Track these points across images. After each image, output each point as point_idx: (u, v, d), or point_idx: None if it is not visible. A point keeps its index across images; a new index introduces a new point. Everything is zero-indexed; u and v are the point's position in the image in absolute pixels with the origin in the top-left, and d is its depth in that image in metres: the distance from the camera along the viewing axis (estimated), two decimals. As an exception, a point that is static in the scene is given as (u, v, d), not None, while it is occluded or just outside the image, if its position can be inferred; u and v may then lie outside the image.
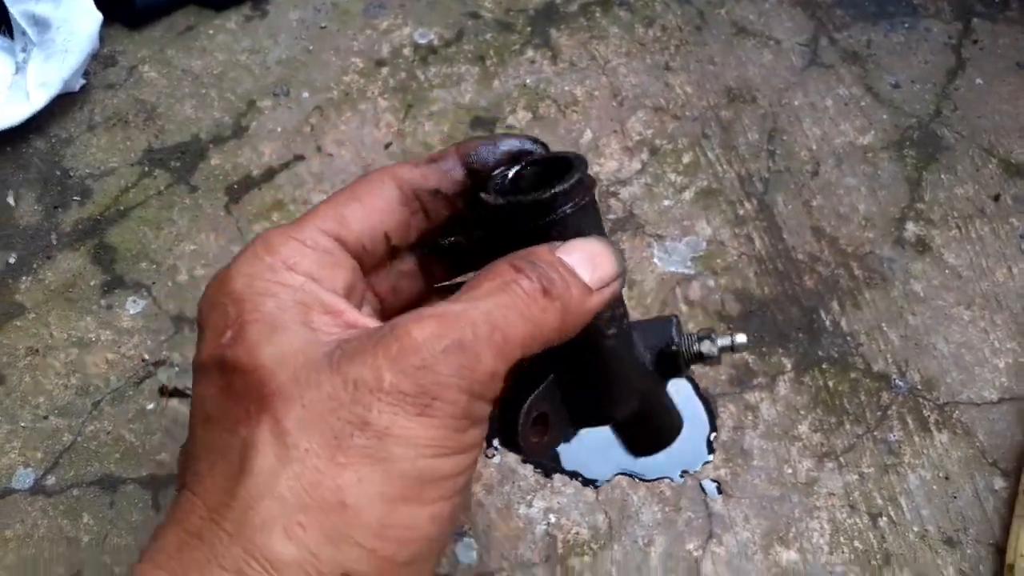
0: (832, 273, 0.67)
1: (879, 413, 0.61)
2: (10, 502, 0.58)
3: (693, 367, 0.39)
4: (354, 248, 0.34)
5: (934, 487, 0.58)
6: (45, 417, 0.62)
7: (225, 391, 0.29)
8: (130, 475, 0.60)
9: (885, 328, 0.64)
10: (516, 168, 0.35)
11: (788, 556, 0.56)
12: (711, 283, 0.66)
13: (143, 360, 0.64)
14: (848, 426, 0.60)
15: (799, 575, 0.56)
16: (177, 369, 0.63)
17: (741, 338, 0.38)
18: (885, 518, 0.57)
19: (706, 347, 0.38)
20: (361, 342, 0.28)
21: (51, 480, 0.59)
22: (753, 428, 0.60)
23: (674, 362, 0.38)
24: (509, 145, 0.35)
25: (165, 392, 0.62)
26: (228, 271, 0.31)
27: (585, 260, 0.32)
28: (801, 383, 0.62)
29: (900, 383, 0.62)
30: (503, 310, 0.30)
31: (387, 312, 0.37)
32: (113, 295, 0.66)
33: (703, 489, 0.58)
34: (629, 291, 0.66)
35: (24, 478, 0.60)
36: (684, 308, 0.65)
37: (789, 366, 0.63)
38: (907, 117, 0.75)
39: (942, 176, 0.71)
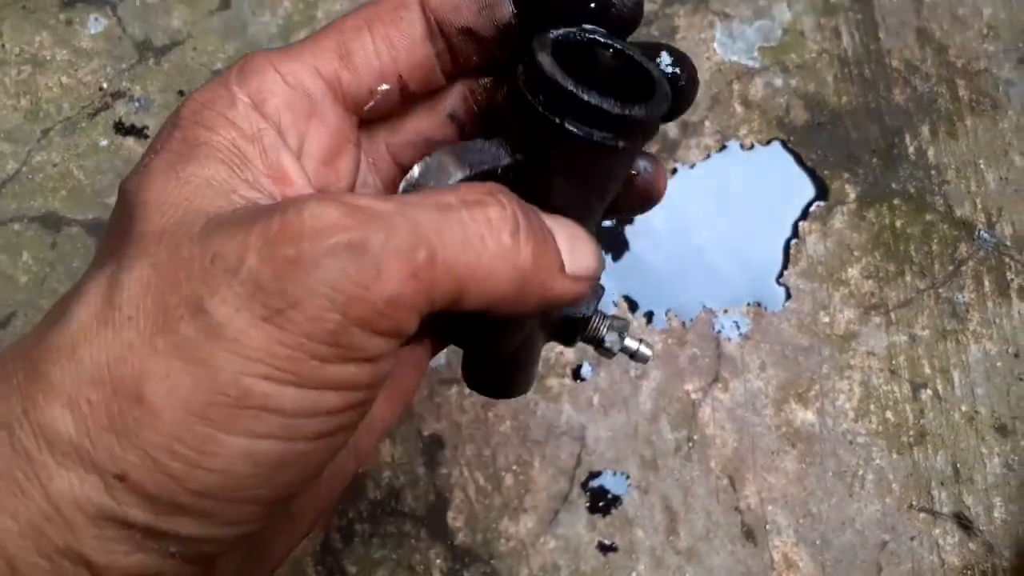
0: (931, 90, 0.51)
1: (951, 268, 0.47)
2: (-57, 228, 0.50)
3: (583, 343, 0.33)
4: (355, 94, 0.26)
5: (998, 364, 0.46)
6: (-9, 139, 0.52)
7: (111, 221, 0.24)
8: (75, 216, 0.50)
9: (982, 166, 0.49)
10: (589, 37, 0.25)
11: (804, 416, 0.45)
12: (778, 82, 0.51)
13: (101, 89, 0.53)
14: (909, 278, 0.47)
15: (812, 438, 0.45)
16: (137, 104, 0.52)
17: (647, 351, 0.32)
18: (930, 390, 0.46)
19: (610, 339, 0.31)
20: (247, 212, 0.21)
21: (-8, 210, 0.50)
22: (793, 263, 0.48)
23: (572, 333, 0.31)
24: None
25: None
26: (195, 91, 0.25)
27: (566, 239, 0.25)
28: (862, 219, 0.49)
29: (985, 235, 0.48)
30: (443, 225, 0.21)
31: (400, 162, 0.29)
32: (74, 9, 0.54)
33: (716, 325, 0.47)
34: (675, 80, 0.51)
35: (-36, 204, 0.51)
36: (739, 109, 0.51)
37: (852, 196, 0.49)
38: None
39: (1101, -15, 0.53)
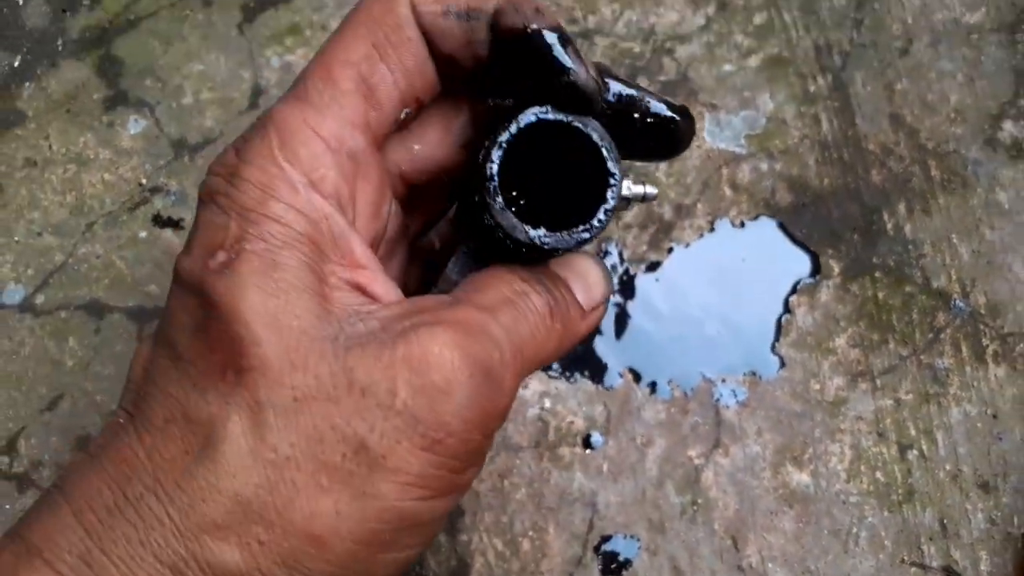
0: (905, 170, 0.55)
1: (930, 335, 0.51)
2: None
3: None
4: (382, 129, 0.26)
5: (978, 424, 0.49)
6: (39, 234, 0.56)
7: (200, 332, 0.23)
8: (117, 304, 0.54)
9: (955, 240, 0.53)
10: (530, 120, 0.26)
11: (799, 478, 0.48)
12: (764, 166, 0.55)
13: (140, 184, 0.57)
14: (892, 345, 0.51)
15: (808, 499, 0.48)
16: (174, 198, 0.56)
17: (652, 189, 0.31)
18: (916, 451, 0.49)
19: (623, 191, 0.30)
20: (373, 335, 0.22)
21: (40, 299, 0.54)
22: (784, 334, 0.51)
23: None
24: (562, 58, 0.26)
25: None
26: (239, 162, 0.24)
27: (580, 280, 0.28)
28: (847, 291, 0.52)
29: (961, 304, 0.52)
30: (518, 322, 0.25)
31: (409, 182, 0.30)
32: (115, 112, 0.59)
33: (715, 394, 0.50)
34: (668, 167, 0.56)
35: (14, 294, 0.54)
36: (728, 192, 0.55)
37: (836, 270, 0.53)
38: (1029, -5, 0.60)
39: (1057, 69, 0.58)
